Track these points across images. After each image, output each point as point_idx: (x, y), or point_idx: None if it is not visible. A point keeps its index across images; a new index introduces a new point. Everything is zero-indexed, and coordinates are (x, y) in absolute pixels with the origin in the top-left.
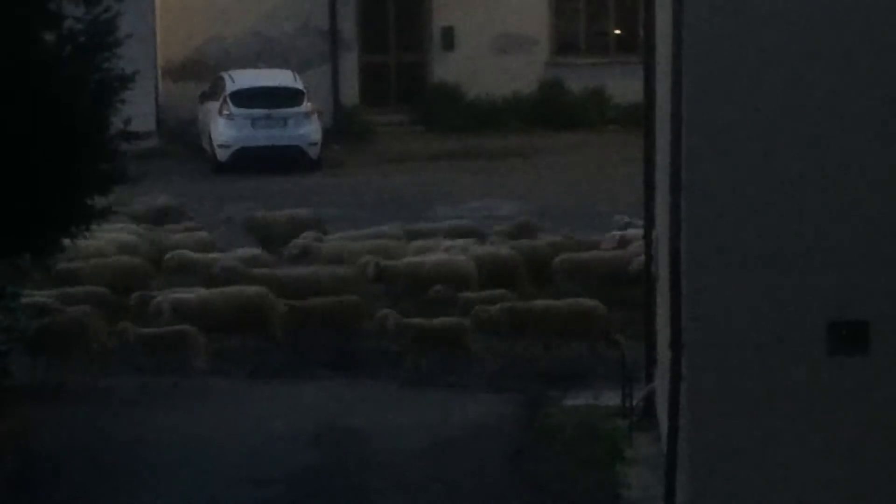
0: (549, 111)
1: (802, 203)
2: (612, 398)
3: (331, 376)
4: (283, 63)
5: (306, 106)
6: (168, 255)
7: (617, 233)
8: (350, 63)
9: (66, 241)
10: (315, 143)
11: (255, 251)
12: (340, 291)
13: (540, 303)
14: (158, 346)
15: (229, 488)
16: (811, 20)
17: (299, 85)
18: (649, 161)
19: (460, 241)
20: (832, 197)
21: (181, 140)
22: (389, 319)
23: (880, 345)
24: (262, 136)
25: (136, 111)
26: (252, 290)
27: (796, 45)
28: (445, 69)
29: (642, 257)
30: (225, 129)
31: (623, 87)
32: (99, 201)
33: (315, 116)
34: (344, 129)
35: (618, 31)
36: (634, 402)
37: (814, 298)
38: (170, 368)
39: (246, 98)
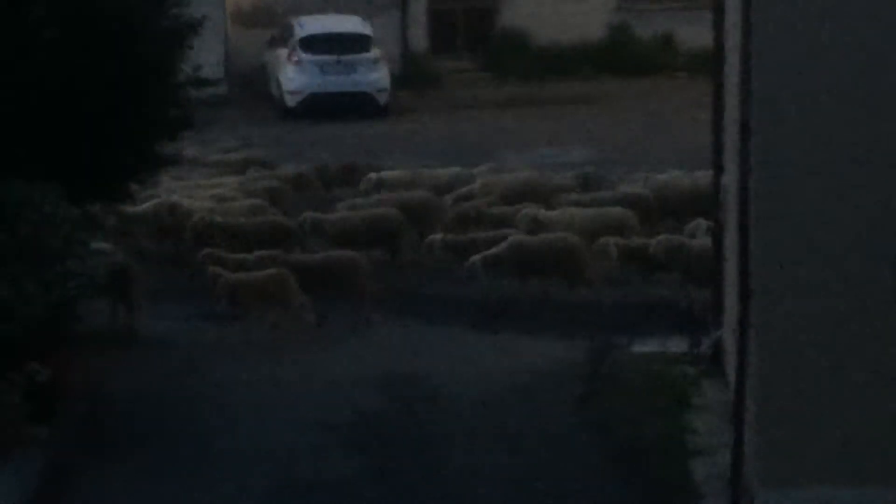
0: (617, 57)
1: (873, 146)
2: (679, 345)
3: (398, 322)
4: (351, 9)
5: (375, 52)
6: None
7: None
8: (418, 9)
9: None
10: (383, 90)
11: None
12: None
13: (298, 255)
14: None
15: (297, 432)
16: None
17: (368, 31)
18: (718, 107)
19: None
20: None
21: (250, 86)
22: (220, 278)
23: None
24: (331, 83)
25: (205, 58)
26: None
27: None
28: (513, 15)
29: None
30: (294, 76)
31: (692, 32)
32: (168, 148)
33: (383, 63)
34: (412, 75)
35: None
36: (702, 349)
37: (883, 243)
38: (236, 314)
39: (315, 44)
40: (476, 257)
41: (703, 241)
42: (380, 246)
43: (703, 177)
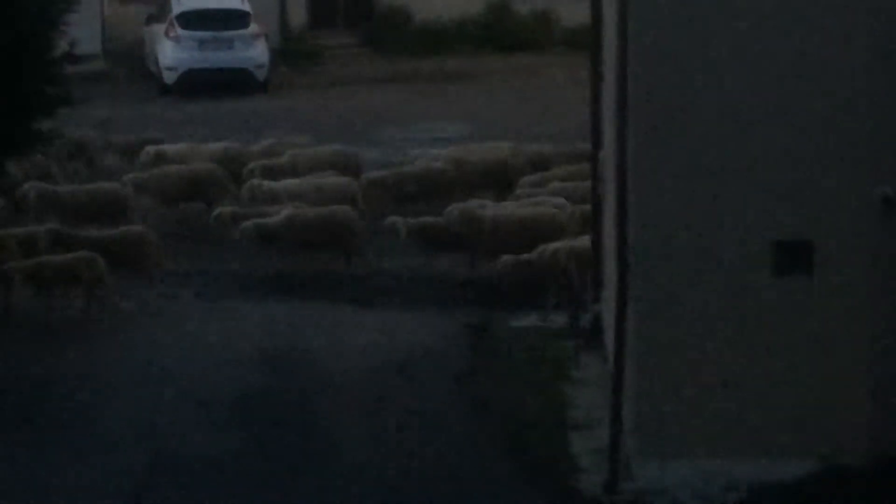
0: (497, 33)
1: (748, 123)
2: (558, 319)
3: (278, 297)
4: None
5: (253, 28)
6: None
7: None
8: None
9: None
10: (262, 66)
11: None
12: None
13: (87, 232)
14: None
15: (177, 409)
16: None
17: (246, 7)
18: (596, 82)
19: None
20: (779, 118)
21: (127, 63)
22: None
23: (824, 264)
24: (209, 59)
25: (82, 34)
26: None
27: None
28: None
29: None
30: (171, 52)
31: (570, 8)
32: (44, 124)
33: (262, 39)
34: (291, 51)
35: None
36: (581, 323)
37: (759, 218)
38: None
39: (193, 20)
40: (249, 223)
41: (497, 212)
42: (106, 221)
43: (497, 149)
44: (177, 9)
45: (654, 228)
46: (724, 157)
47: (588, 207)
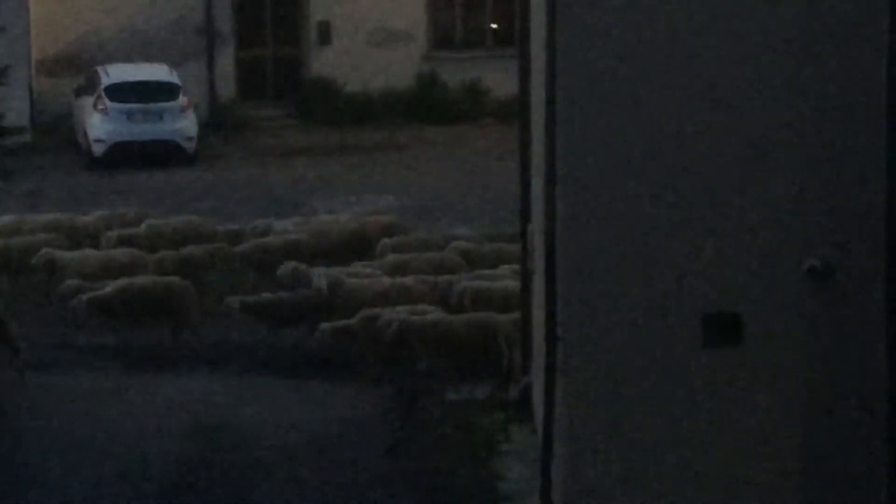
0: (426, 105)
1: (677, 196)
2: (488, 392)
3: (206, 370)
4: (159, 57)
5: (182, 100)
6: None
7: None
8: (227, 57)
9: None
10: (191, 138)
11: None
12: None
13: None
14: None
15: (101, 487)
16: (690, 16)
17: (175, 79)
18: (525, 155)
19: None
20: (706, 191)
21: (56, 135)
22: None
23: (753, 336)
24: (138, 131)
25: (10, 106)
26: None
27: (673, 39)
28: (322, 63)
29: None
30: (100, 124)
31: (499, 80)
32: None
33: (191, 111)
34: (221, 123)
35: (494, 25)
36: (511, 396)
37: (687, 291)
38: (36, 362)
39: (121, 92)
40: (82, 296)
41: (360, 283)
42: None
43: (357, 219)
44: (105, 81)
45: (583, 301)
46: (650, 229)
47: (433, 277)
